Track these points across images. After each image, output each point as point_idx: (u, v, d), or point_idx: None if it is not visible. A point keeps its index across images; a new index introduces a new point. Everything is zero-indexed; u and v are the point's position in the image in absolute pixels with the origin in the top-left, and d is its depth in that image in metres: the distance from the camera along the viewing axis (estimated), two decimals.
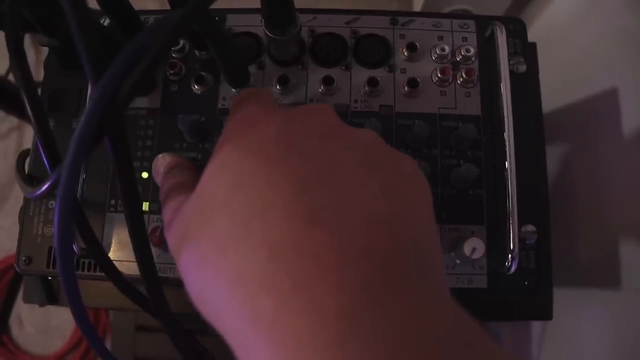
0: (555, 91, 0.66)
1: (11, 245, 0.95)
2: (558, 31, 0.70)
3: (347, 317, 0.17)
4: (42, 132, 0.29)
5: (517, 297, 0.45)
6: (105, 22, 0.38)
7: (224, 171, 0.22)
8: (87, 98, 0.37)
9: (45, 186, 0.28)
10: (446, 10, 0.81)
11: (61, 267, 0.25)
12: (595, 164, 0.59)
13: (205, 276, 0.21)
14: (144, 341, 0.70)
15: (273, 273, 0.18)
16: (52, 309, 0.92)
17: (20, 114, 0.43)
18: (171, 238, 0.25)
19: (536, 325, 0.68)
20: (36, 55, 0.91)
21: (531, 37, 0.49)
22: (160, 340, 0.70)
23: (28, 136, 1.02)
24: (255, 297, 0.18)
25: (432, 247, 0.22)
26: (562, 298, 0.61)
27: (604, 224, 0.56)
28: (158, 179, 0.32)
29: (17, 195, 0.98)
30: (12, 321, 0.92)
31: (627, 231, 0.52)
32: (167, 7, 0.35)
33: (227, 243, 0.20)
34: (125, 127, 0.25)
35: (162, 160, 0.33)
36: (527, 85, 0.39)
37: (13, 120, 1.02)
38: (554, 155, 0.66)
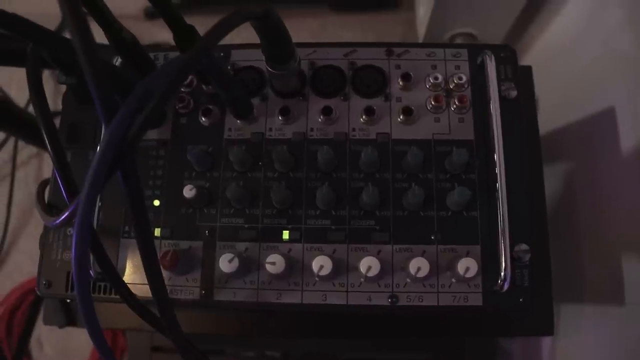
0: (555, 111, 0.67)
1: (31, 268, 0.98)
2: (558, 52, 0.72)
3: None
4: (61, 168, 0.32)
5: (515, 315, 0.46)
6: (117, 62, 0.41)
7: None
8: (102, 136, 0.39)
9: (63, 216, 0.30)
10: (449, 34, 0.84)
11: (78, 290, 0.27)
12: (596, 182, 0.60)
13: None
14: None
15: None
16: (70, 330, 0.94)
17: (40, 144, 0.46)
18: None
19: (546, 341, 0.69)
20: (55, 85, 0.95)
21: (531, 59, 0.51)
22: None
23: (47, 163, 1.06)
24: None
25: None
26: (570, 314, 0.62)
27: (605, 241, 0.57)
28: None
29: (37, 221, 1.02)
30: (32, 344, 0.95)
31: (629, 247, 0.53)
32: None
33: None
34: (136, 160, 0.28)
35: None
36: (519, 109, 0.41)
37: (32, 149, 1.06)
38: (555, 174, 0.67)
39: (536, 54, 0.79)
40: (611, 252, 0.55)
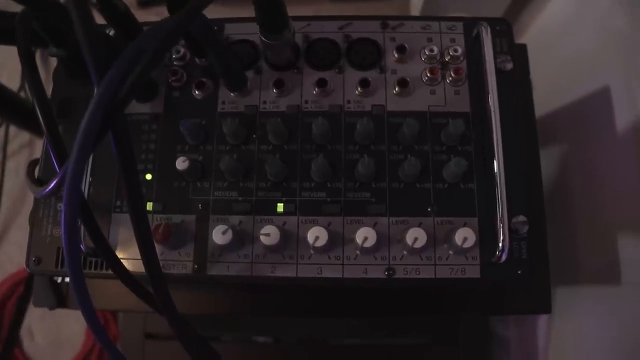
0: (551, 92, 0.67)
1: (22, 259, 0.96)
2: (552, 35, 0.72)
3: None
4: (52, 136, 0.31)
5: (513, 288, 0.46)
6: (111, 32, 0.40)
7: None
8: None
9: (54, 183, 0.30)
10: None
11: (68, 258, 0.26)
12: (591, 162, 0.60)
13: None
14: (153, 348, 0.72)
15: None
16: (61, 321, 0.93)
17: (31, 127, 0.45)
18: None
19: (542, 326, 0.69)
20: (45, 71, 0.94)
21: (526, 41, 0.51)
22: (168, 348, 0.71)
23: (39, 152, 1.04)
24: None
25: None
26: (566, 296, 0.62)
27: (601, 221, 0.57)
28: None
29: (27, 211, 1.00)
30: (23, 333, 0.94)
31: (625, 227, 0.53)
32: None
33: None
34: (128, 127, 0.27)
35: None
36: (515, 82, 0.41)
37: (24, 138, 1.05)
38: (551, 156, 0.67)
39: (530, 37, 0.78)
40: (606, 232, 0.55)
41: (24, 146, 1.05)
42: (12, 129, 1.03)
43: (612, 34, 0.55)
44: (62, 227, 0.25)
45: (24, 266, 0.42)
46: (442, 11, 0.82)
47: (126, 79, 0.26)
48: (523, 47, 0.52)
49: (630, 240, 0.51)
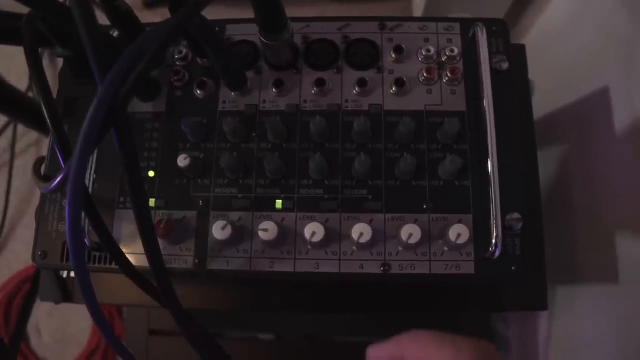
0: (551, 92, 0.68)
1: (28, 257, 0.98)
2: (553, 36, 0.73)
3: None
4: (56, 127, 0.32)
5: (507, 284, 0.47)
6: (115, 33, 0.41)
7: None
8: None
9: (59, 177, 0.31)
10: None
11: (72, 249, 0.27)
12: (590, 162, 0.60)
13: None
14: (157, 345, 0.73)
15: None
16: (68, 318, 0.95)
17: (38, 126, 0.46)
18: None
19: (542, 324, 0.69)
20: (54, 70, 0.95)
21: (528, 41, 0.52)
22: (172, 344, 0.72)
23: (45, 151, 1.06)
24: None
25: None
26: (566, 295, 0.62)
27: (601, 220, 0.57)
28: None
29: (34, 209, 1.02)
30: (30, 331, 0.95)
31: (623, 226, 0.53)
32: None
33: None
34: (131, 124, 0.28)
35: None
36: (511, 81, 0.41)
37: (31, 137, 1.06)
38: (550, 155, 0.67)
39: (532, 38, 0.79)
40: (606, 231, 0.55)
41: (31, 145, 1.07)
42: (20, 128, 1.05)
43: (612, 34, 0.55)
44: (67, 219, 0.26)
45: (31, 262, 0.43)
46: (445, 12, 0.82)
47: (128, 77, 0.27)
48: (521, 47, 0.52)
49: (629, 239, 0.52)
